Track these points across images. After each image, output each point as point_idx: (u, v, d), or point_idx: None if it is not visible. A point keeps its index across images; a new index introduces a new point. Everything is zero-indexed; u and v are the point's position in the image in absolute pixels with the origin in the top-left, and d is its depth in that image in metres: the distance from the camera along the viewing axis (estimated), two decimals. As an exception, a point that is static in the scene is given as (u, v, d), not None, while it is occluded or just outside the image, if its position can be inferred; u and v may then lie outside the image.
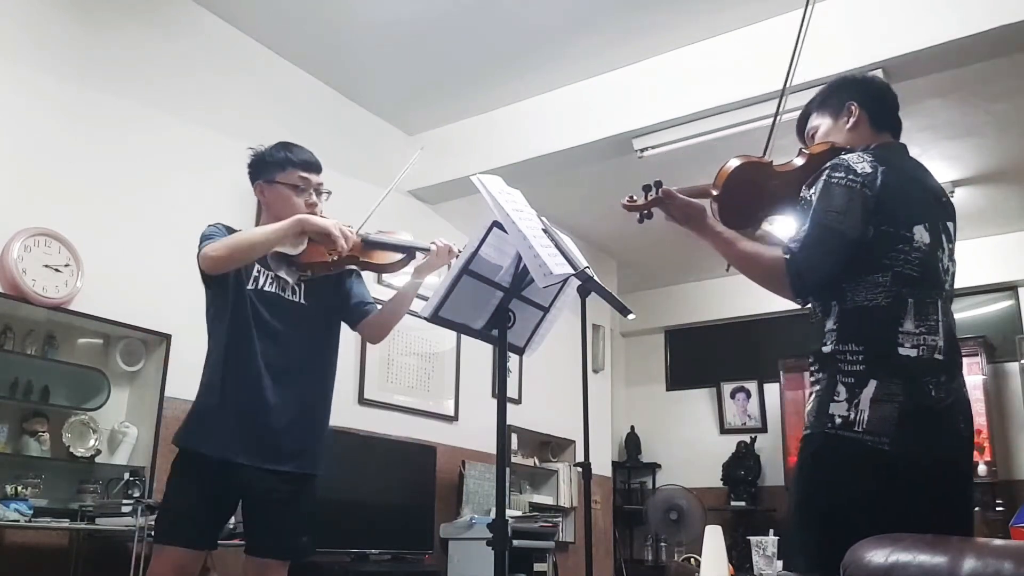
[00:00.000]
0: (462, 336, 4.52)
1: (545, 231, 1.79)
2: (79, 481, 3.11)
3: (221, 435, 2.08)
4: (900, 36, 3.53)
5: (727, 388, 7.30)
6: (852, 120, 1.88)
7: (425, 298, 2.21)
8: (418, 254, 2.35)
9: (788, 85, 2.08)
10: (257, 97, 4.14)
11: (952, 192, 5.35)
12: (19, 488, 2.87)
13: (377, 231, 2.37)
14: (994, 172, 5.22)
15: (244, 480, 2.10)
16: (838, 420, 1.62)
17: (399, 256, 2.33)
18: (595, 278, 1.80)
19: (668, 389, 7.68)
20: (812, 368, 1.74)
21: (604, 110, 4.38)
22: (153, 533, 2.16)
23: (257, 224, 3.67)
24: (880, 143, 1.85)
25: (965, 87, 4.26)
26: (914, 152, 1.89)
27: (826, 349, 1.70)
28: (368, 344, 4.36)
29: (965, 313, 6.37)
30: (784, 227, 1.86)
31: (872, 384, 1.60)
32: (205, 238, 2.17)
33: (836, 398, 1.64)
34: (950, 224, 1.81)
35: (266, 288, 2.20)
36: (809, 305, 1.79)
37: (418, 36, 4.11)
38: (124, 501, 2.99)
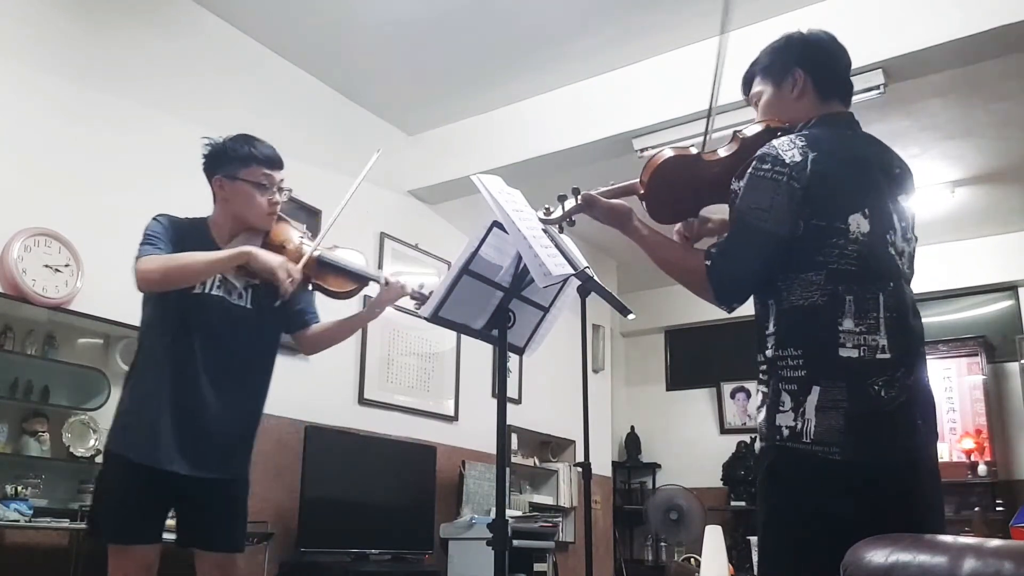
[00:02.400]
0: (462, 336, 4.52)
1: (545, 231, 1.79)
2: (79, 481, 3.11)
3: (156, 441, 2.05)
4: (900, 36, 3.53)
5: (727, 388, 7.30)
6: (797, 90, 1.72)
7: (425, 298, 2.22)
8: (371, 283, 2.33)
9: (714, 104, 1.94)
10: (257, 97, 4.14)
11: (952, 192, 5.36)
12: (19, 488, 2.87)
13: (332, 246, 2.33)
14: (994, 172, 5.22)
15: (178, 485, 2.08)
16: (785, 432, 1.51)
17: (351, 286, 2.31)
18: (595, 278, 1.80)
19: (668, 389, 7.68)
20: (760, 375, 1.62)
21: (604, 110, 4.38)
22: (103, 536, 2.07)
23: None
24: (821, 115, 1.69)
25: (965, 87, 4.25)
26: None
27: (768, 354, 1.59)
28: (368, 344, 4.41)
29: (965, 313, 6.37)
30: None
31: (815, 391, 1.49)
32: (146, 240, 2.12)
33: (781, 408, 1.53)
34: (902, 197, 1.65)
35: (212, 292, 2.17)
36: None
37: (418, 36, 4.11)
38: (124, 501, 2.99)
